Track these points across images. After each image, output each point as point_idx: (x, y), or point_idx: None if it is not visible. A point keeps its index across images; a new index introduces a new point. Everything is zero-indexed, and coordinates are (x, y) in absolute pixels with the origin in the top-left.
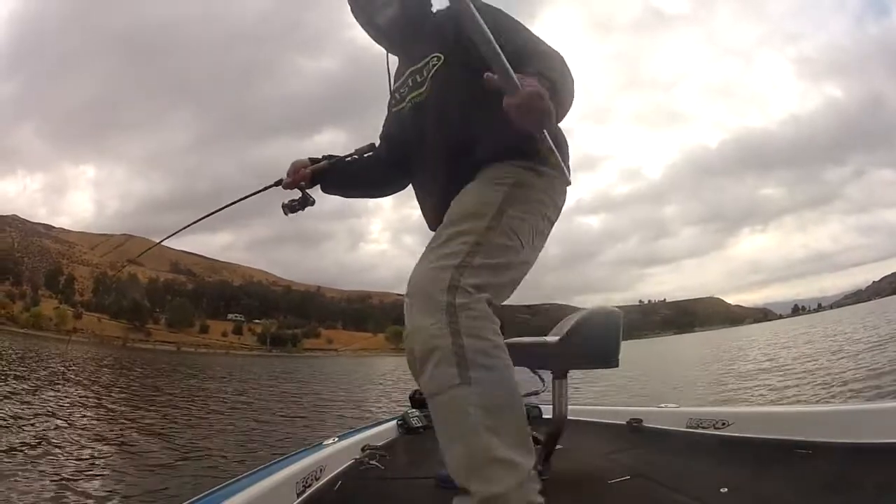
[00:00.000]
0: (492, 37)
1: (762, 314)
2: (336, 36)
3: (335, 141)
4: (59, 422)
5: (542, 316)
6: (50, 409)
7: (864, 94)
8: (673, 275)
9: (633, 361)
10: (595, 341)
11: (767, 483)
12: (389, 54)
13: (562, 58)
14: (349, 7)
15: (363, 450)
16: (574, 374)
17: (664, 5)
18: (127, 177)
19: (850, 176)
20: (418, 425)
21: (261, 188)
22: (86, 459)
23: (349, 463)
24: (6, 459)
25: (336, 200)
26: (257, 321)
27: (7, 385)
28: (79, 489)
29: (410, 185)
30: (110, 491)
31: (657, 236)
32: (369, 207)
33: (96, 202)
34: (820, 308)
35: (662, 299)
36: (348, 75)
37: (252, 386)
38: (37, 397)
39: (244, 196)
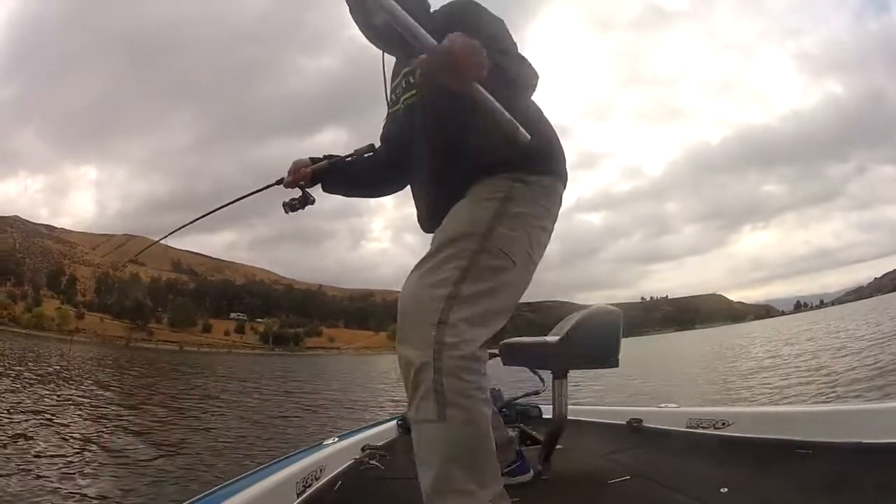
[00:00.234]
0: (403, 11)
1: (764, 311)
2: (336, 36)
3: (336, 140)
4: (50, 418)
5: (545, 313)
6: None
7: (864, 91)
8: (675, 272)
9: (633, 360)
10: (595, 341)
11: (767, 483)
12: (386, 55)
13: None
14: (348, 8)
15: (363, 450)
16: (575, 373)
17: (664, 2)
18: (128, 177)
19: (851, 172)
20: None
21: (262, 187)
22: (86, 460)
23: (349, 463)
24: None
25: (337, 199)
26: (260, 320)
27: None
28: (79, 489)
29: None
30: (120, 492)
31: (659, 233)
32: (371, 206)
33: (98, 203)
34: (822, 305)
35: (664, 296)
36: (348, 75)
37: (253, 385)
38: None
39: (246, 194)
